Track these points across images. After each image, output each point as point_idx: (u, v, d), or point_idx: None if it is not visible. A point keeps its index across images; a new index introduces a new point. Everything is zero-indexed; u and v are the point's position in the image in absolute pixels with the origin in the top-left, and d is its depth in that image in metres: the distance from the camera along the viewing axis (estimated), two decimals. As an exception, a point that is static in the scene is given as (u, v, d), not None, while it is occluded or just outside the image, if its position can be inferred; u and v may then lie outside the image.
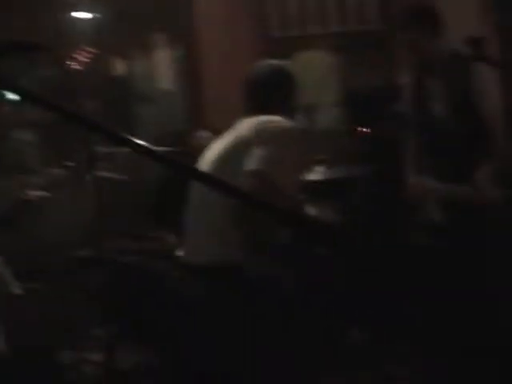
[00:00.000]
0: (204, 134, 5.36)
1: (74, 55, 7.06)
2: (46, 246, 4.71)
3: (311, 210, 4.21)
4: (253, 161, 3.25)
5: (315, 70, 6.89)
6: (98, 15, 7.61)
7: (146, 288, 4.39)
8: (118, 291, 4.43)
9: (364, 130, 5.61)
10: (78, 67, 6.87)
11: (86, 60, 7.20)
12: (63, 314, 4.23)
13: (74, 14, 7.54)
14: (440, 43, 4.30)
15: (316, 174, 5.08)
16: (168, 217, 5.19)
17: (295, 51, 6.68)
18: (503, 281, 4.27)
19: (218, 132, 5.25)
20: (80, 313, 4.58)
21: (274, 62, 3.82)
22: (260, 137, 3.34)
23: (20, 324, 3.69)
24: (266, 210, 1.83)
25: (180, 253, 3.60)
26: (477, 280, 4.25)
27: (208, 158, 3.64)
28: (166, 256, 4.56)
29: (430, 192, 4.41)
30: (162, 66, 7.42)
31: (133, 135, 1.65)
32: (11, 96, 6.82)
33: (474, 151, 4.22)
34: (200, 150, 5.10)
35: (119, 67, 7.51)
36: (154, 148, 1.71)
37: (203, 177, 1.97)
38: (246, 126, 3.51)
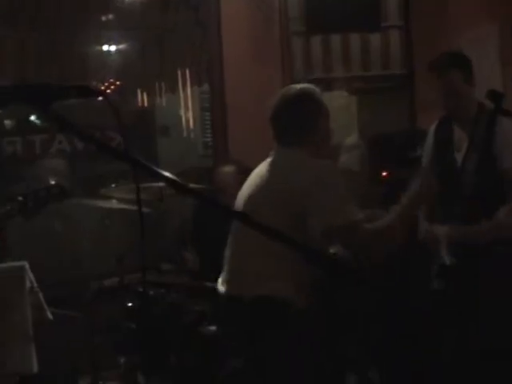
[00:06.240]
0: (228, 168, 5.33)
1: (102, 87, 7.19)
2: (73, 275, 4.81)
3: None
4: (335, 215, 3.24)
5: (338, 112, 6.99)
6: (125, 48, 7.75)
7: (168, 320, 4.46)
8: (140, 322, 4.50)
9: (385, 173, 5.67)
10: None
11: (112, 92, 7.33)
12: (87, 341, 4.31)
13: (102, 47, 7.69)
14: (471, 92, 4.38)
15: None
16: (191, 249, 5.26)
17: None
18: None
19: (242, 167, 5.33)
20: (103, 341, 4.66)
21: (298, 85, 3.66)
22: (318, 185, 3.28)
23: (48, 349, 3.78)
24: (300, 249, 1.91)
25: (221, 287, 3.58)
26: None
27: (244, 195, 3.57)
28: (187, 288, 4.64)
29: (441, 236, 4.46)
30: (187, 101, 7.53)
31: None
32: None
33: (491, 201, 4.28)
34: (224, 185, 5.19)
35: (145, 100, 7.62)
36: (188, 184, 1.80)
37: (241, 217, 2.03)
38: (288, 166, 3.42)
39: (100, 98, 1.88)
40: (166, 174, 1.68)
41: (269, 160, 3.58)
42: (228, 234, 3.58)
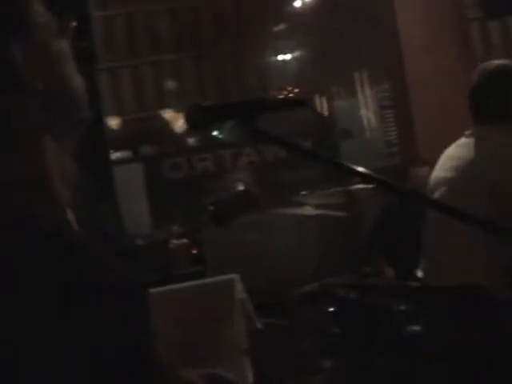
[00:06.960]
0: (421, 171, 5.19)
1: (282, 95, 7.28)
2: (274, 283, 4.87)
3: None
4: None
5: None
6: (300, 56, 7.83)
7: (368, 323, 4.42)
8: (344, 326, 4.49)
9: None
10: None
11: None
12: (294, 346, 4.35)
13: (280, 57, 7.80)
14: None
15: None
16: (387, 252, 5.23)
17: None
18: None
19: (433, 165, 5.20)
20: (308, 347, 4.68)
21: (499, 61, 3.34)
22: None
23: (261, 358, 3.85)
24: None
25: (421, 276, 3.50)
26: None
27: (441, 179, 3.35)
28: (388, 291, 4.59)
29: None
30: (366, 101, 7.50)
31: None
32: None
33: None
34: (419, 186, 5.08)
35: (324, 105, 7.66)
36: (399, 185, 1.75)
37: (449, 210, 1.96)
38: (491, 149, 3.17)
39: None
40: (377, 175, 1.65)
41: (465, 141, 3.31)
42: (421, 232, 3.49)
